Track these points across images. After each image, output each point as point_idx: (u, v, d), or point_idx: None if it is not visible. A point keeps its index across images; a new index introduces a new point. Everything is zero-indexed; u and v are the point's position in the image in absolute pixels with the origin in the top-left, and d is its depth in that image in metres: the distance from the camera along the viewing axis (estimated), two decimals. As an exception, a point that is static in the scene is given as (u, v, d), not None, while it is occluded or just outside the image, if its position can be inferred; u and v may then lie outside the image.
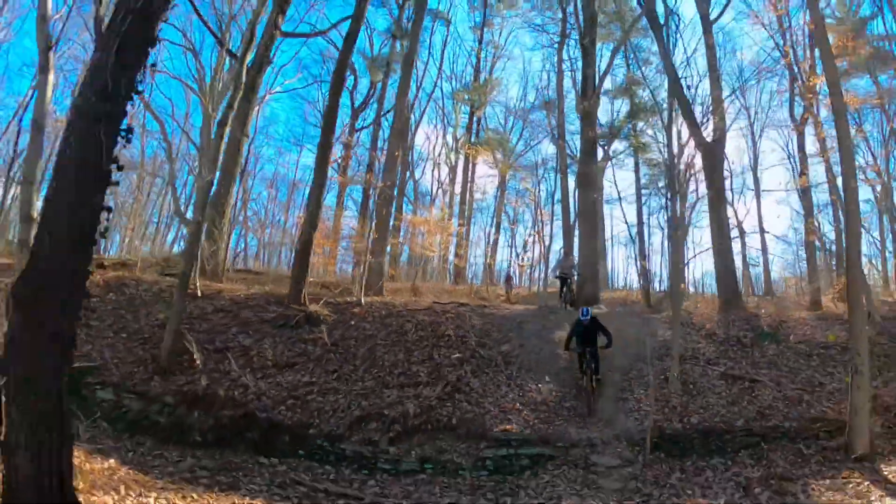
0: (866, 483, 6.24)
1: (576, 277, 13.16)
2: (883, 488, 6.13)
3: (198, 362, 8.08)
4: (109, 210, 3.83)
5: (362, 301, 9.93)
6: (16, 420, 3.41)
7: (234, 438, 7.24)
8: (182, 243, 22.50)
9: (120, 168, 3.84)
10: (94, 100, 3.61)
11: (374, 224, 11.61)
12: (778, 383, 8.24)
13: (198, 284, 10.70)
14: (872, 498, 5.88)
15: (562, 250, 15.92)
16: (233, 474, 6.34)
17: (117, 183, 3.90)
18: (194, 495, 5.54)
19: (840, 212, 14.31)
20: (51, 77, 9.93)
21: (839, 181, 10.57)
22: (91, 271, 3.90)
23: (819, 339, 10.22)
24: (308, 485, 6.10)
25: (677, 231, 10.58)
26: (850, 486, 6.21)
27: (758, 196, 21.71)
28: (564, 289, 12.60)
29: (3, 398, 3.46)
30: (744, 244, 20.72)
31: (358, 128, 24.23)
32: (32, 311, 3.48)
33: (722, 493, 5.86)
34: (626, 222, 24.94)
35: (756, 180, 22.01)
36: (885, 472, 6.48)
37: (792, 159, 20.38)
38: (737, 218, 21.99)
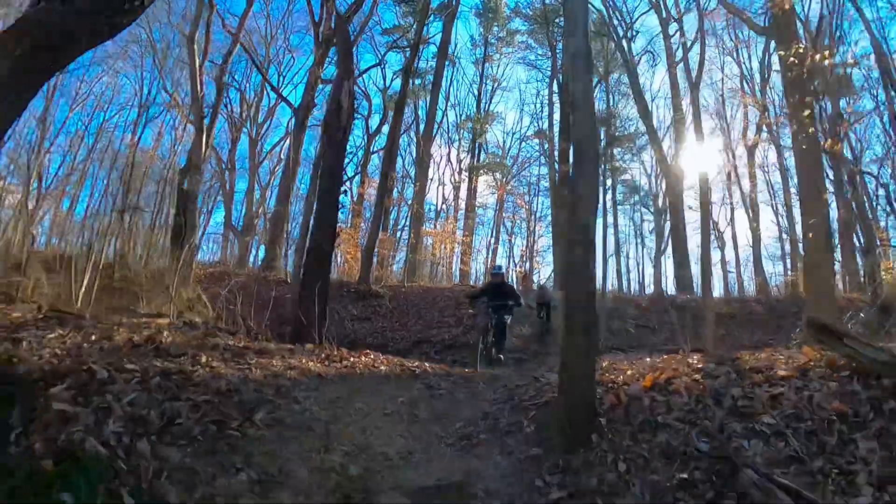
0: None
1: (554, 305, 14.33)
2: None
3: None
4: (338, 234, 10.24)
5: (405, 284, 16.34)
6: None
7: (340, 357, 13.56)
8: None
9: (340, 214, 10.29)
10: (329, 179, 10.05)
11: (412, 234, 18.25)
12: (672, 332, 14.63)
13: (287, 277, 17.13)
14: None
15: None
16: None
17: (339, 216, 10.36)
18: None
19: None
20: (203, 137, 16.32)
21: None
22: (330, 260, 10.22)
23: (721, 311, 16.69)
24: (393, 372, 12.43)
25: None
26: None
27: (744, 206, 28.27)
28: (542, 313, 14.37)
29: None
30: (723, 252, 27.61)
31: (372, 151, 30.91)
32: (310, 285, 9.80)
33: (615, 373, 12.23)
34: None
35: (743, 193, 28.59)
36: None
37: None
38: (717, 230, 28.90)
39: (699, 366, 4.07)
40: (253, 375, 3.48)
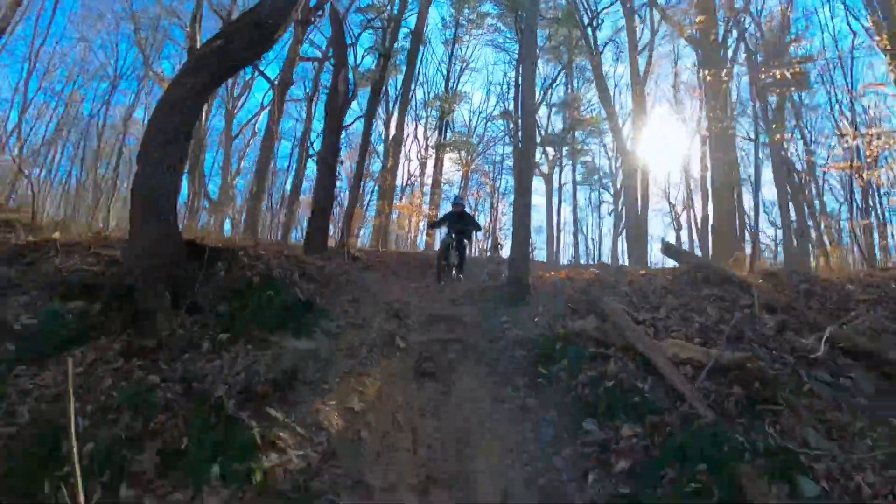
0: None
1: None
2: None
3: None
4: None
5: (379, 248, 18.83)
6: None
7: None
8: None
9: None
10: (328, 153, 12.42)
11: (384, 205, 20.70)
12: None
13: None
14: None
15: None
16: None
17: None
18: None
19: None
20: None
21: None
22: (329, 216, 12.59)
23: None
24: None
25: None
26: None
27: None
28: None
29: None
30: (679, 234, 30.94)
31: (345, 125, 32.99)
32: (314, 233, 12.22)
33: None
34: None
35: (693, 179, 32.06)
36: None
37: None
38: (674, 211, 32.37)
39: (598, 271, 6.77)
40: (323, 266, 5.99)
